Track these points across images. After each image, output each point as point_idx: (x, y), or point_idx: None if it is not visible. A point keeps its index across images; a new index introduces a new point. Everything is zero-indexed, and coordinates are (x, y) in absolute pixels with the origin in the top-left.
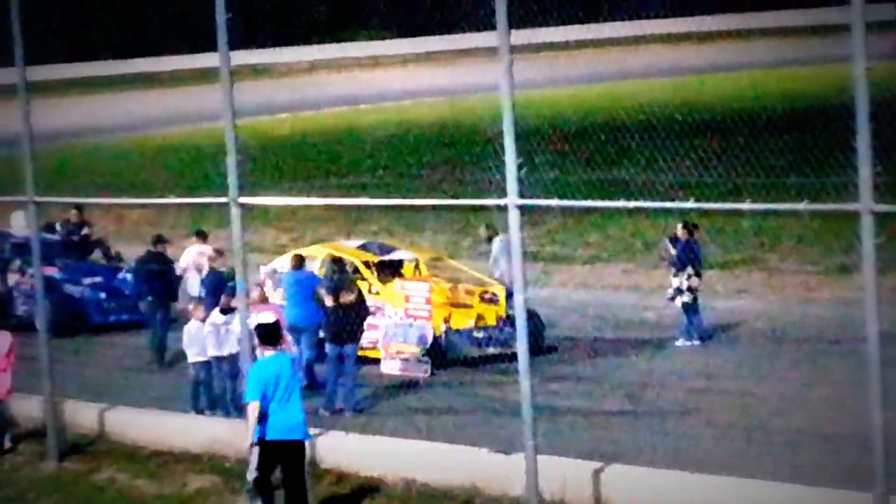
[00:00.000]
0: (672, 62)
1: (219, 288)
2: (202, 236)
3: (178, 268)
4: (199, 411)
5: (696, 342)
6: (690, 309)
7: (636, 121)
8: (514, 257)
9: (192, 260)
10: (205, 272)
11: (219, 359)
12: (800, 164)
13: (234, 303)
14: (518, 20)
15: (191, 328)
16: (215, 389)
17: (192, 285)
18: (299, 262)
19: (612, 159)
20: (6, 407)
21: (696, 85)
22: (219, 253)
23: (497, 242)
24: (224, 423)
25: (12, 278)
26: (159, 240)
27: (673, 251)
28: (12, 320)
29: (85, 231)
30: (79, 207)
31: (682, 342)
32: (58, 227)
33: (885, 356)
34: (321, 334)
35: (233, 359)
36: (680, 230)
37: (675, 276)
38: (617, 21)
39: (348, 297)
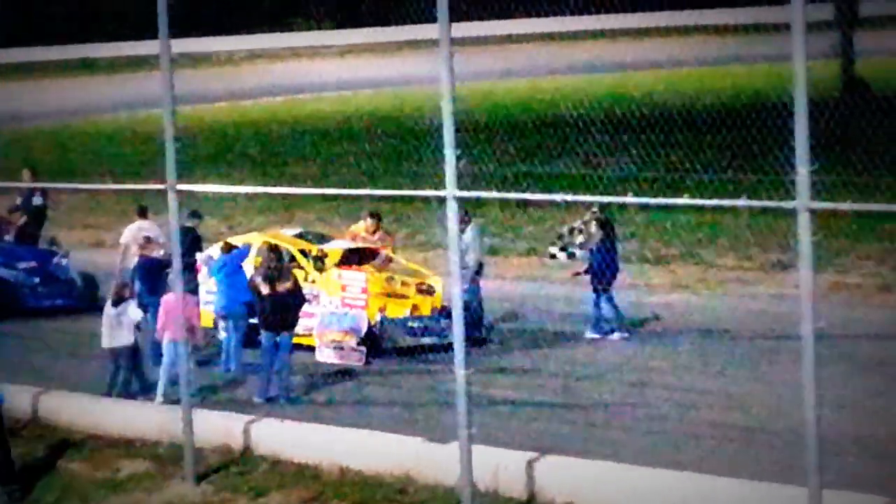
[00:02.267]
0: (612, 58)
1: (151, 274)
2: (143, 213)
3: (120, 244)
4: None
5: (613, 335)
6: (608, 300)
7: (575, 115)
8: (451, 248)
9: (132, 237)
10: (135, 259)
11: (113, 350)
12: (739, 160)
13: (126, 292)
14: (460, 13)
15: (108, 312)
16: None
17: (132, 261)
18: (228, 249)
19: (551, 153)
20: None
21: (636, 81)
22: (148, 240)
23: (469, 230)
24: (158, 409)
25: None
26: (195, 214)
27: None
28: None
29: (38, 201)
30: (32, 170)
31: (592, 333)
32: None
33: (819, 352)
34: (252, 320)
35: (129, 350)
36: (593, 227)
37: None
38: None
39: (284, 285)
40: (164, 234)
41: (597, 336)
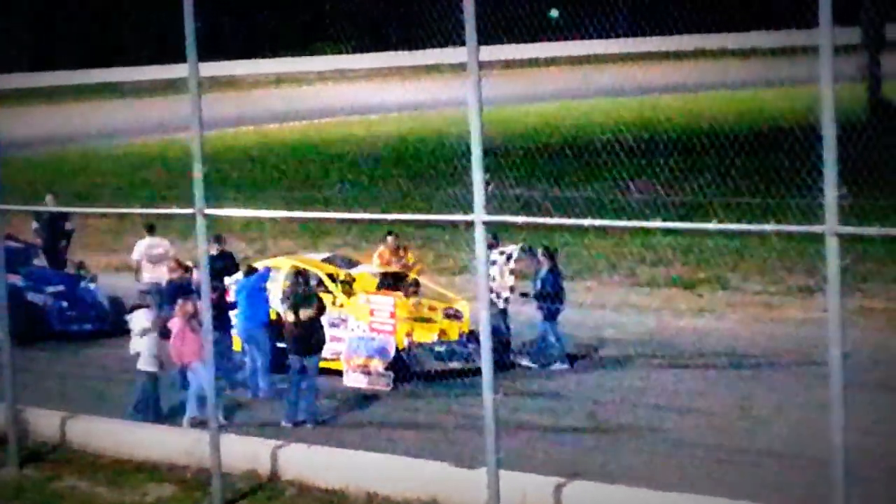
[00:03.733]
0: (639, 81)
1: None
2: (151, 230)
3: (132, 260)
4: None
5: (554, 365)
6: (553, 329)
7: (603, 139)
8: (479, 273)
9: (143, 252)
10: (164, 281)
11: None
12: (766, 185)
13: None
14: (487, 36)
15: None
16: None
17: (147, 276)
18: (250, 271)
19: (579, 177)
20: None
21: (663, 104)
22: (178, 264)
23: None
24: (185, 433)
25: None
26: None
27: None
28: None
29: (68, 226)
30: (55, 194)
31: (528, 362)
32: (34, 225)
33: (846, 377)
34: (280, 344)
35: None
36: (541, 256)
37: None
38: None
39: (307, 314)
40: (173, 250)
41: (532, 365)
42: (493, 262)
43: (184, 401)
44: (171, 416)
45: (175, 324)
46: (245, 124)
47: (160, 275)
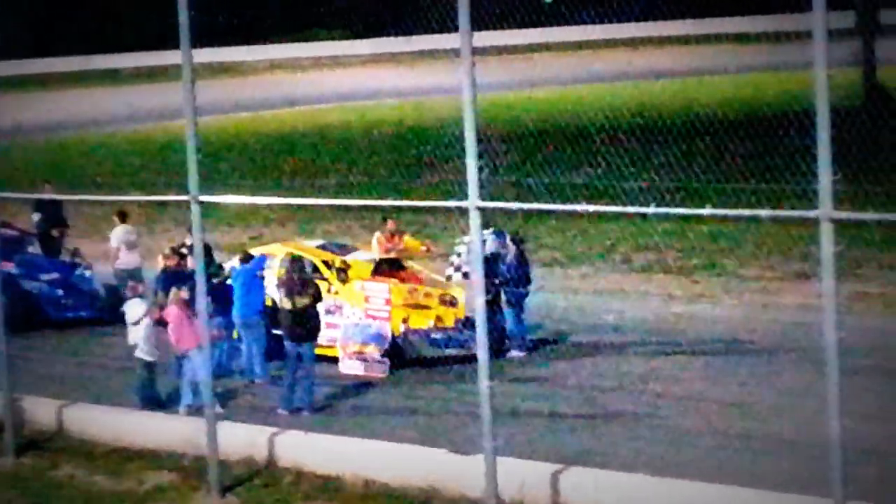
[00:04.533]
0: (632, 67)
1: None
2: (124, 217)
3: (111, 248)
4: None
5: (521, 353)
6: (518, 319)
7: (596, 125)
8: (474, 259)
9: (121, 239)
10: (159, 269)
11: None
12: (761, 169)
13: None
14: (480, 22)
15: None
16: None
17: (123, 261)
18: (246, 258)
19: (574, 163)
20: None
21: (656, 90)
22: (174, 251)
23: (489, 241)
24: (182, 421)
25: None
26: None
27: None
28: None
29: (63, 213)
30: (49, 182)
31: (515, 352)
32: (35, 217)
33: (843, 363)
34: (276, 331)
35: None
36: (508, 241)
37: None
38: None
39: (302, 301)
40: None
41: (522, 354)
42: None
43: (179, 388)
44: (168, 404)
45: (171, 311)
46: (241, 111)
47: (134, 261)
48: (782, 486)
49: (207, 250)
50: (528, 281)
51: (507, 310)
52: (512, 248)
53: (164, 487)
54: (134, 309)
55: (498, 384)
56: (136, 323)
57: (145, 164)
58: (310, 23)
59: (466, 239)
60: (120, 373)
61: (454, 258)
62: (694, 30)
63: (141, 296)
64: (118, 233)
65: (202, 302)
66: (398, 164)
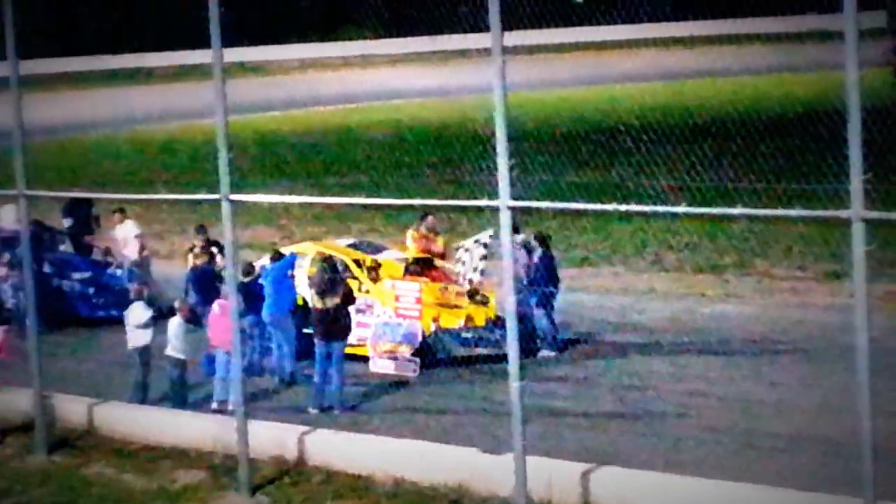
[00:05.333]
0: (666, 66)
1: (208, 284)
2: (123, 213)
3: (120, 245)
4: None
5: (552, 353)
6: (549, 319)
7: (630, 124)
8: (504, 258)
9: (126, 236)
10: (189, 266)
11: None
12: (792, 169)
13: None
14: (511, 22)
15: (173, 324)
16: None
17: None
18: (277, 257)
19: (605, 162)
20: None
21: (687, 89)
22: (204, 250)
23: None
24: (212, 419)
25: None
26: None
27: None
28: (2, 314)
29: (94, 212)
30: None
31: (545, 352)
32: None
33: (874, 363)
34: (307, 330)
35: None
36: (532, 241)
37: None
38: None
39: (333, 301)
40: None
41: (553, 354)
42: (466, 250)
43: (208, 385)
44: (198, 402)
45: (214, 308)
46: (271, 110)
47: (132, 254)
48: (812, 486)
49: (220, 248)
50: (556, 280)
51: (537, 310)
52: (537, 247)
53: (193, 486)
54: (136, 312)
55: (527, 383)
56: (140, 326)
57: (174, 162)
58: (339, 21)
59: (467, 242)
60: (152, 371)
61: (461, 259)
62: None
63: (145, 298)
64: (122, 230)
65: (234, 301)
66: (428, 163)
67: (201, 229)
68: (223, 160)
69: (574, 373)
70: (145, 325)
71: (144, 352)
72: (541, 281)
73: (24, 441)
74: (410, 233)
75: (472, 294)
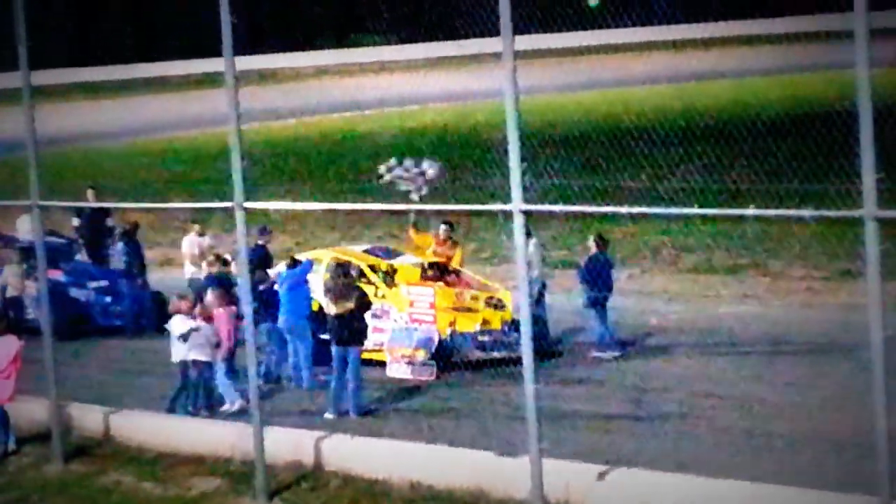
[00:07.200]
0: (675, 68)
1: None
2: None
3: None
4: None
5: (615, 353)
6: (603, 321)
7: (640, 127)
8: (518, 262)
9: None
10: (203, 274)
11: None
12: (804, 169)
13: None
14: (522, 26)
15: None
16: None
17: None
18: (293, 264)
19: (616, 165)
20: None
21: (699, 91)
22: (217, 258)
23: (531, 245)
24: (229, 426)
25: (17, 282)
26: (264, 230)
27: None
28: (22, 324)
29: (109, 221)
30: (93, 188)
31: (598, 353)
32: (75, 222)
33: (889, 362)
34: (324, 336)
35: (183, 364)
36: (591, 243)
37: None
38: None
39: (347, 306)
40: None
41: (615, 355)
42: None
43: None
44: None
45: (218, 314)
46: (286, 117)
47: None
48: (829, 486)
49: (267, 255)
50: (610, 283)
51: (591, 312)
52: (595, 249)
53: (211, 493)
54: (177, 325)
55: (543, 386)
56: (181, 338)
57: (190, 170)
58: (353, 27)
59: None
60: (167, 379)
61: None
62: (736, 31)
63: (182, 312)
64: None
65: (248, 307)
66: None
67: (265, 230)
68: (236, 168)
69: (589, 375)
70: (184, 338)
71: (187, 364)
72: (599, 283)
73: (41, 450)
74: (412, 233)
75: (488, 298)
